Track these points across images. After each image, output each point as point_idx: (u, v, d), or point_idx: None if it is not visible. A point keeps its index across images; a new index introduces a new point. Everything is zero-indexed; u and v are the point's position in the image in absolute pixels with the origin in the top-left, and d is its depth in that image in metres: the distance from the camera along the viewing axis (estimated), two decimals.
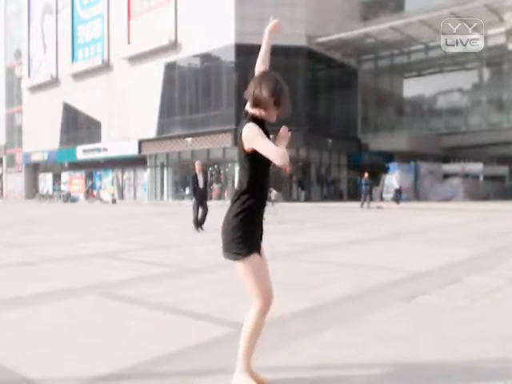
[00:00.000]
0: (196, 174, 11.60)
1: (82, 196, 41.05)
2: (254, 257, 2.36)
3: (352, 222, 14.48)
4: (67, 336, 3.37)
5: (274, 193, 15.97)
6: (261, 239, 2.46)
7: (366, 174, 23.59)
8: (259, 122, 2.38)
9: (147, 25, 34.64)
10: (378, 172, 31.54)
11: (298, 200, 30.70)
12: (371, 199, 23.99)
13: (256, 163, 2.33)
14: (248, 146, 2.31)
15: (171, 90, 33.45)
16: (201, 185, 11.54)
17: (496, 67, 32.06)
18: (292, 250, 7.84)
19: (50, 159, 45.15)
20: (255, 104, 2.38)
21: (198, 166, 11.71)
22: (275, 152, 2.21)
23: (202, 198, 11.43)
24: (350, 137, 34.60)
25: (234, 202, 2.40)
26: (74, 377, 2.62)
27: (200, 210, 11.33)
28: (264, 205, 2.45)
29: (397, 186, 26.00)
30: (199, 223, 11.22)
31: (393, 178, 27.02)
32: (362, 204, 22.95)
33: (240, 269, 2.38)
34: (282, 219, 14.82)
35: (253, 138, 2.27)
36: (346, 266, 6.21)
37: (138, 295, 4.56)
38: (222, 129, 29.09)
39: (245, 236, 2.34)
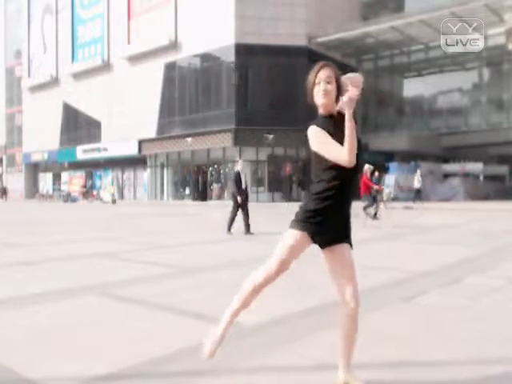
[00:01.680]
0: (239, 172, 10.74)
1: (80, 196, 41.01)
2: (298, 235, 2.36)
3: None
4: (67, 336, 3.37)
5: (386, 192, 13.43)
6: (336, 233, 2.47)
7: (376, 173, 23.23)
8: (326, 117, 2.33)
9: (147, 25, 34.64)
10: (377, 172, 31.48)
11: (298, 200, 30.69)
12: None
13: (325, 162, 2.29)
14: (313, 148, 2.30)
15: (171, 90, 33.45)
16: (243, 184, 10.64)
17: (496, 67, 32.04)
18: None
19: (50, 159, 45.15)
20: (308, 98, 2.35)
21: (241, 164, 11.07)
22: (337, 154, 2.19)
23: (245, 198, 10.58)
24: None
25: (308, 191, 2.43)
26: (74, 377, 2.62)
27: (236, 213, 10.49)
28: (342, 201, 2.39)
29: (417, 186, 24.36)
30: (246, 227, 10.36)
31: (414, 178, 25.08)
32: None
33: (285, 233, 2.41)
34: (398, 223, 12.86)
35: (313, 141, 2.25)
36: None
37: (137, 295, 4.56)
38: (222, 129, 29.09)
39: (307, 216, 2.35)
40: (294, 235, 2.37)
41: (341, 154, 2.19)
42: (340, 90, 2.31)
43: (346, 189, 2.36)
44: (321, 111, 2.35)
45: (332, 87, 2.30)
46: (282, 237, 2.41)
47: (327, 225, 2.38)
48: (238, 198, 10.40)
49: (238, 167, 11.03)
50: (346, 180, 2.33)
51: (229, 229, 10.33)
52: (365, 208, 12.50)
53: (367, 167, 12.91)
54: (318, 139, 2.24)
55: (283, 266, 2.42)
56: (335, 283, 2.46)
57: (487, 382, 2.58)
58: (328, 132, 2.25)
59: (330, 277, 2.48)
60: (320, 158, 2.29)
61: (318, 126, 2.28)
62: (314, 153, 2.31)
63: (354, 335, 2.43)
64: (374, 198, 12.65)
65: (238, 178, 10.59)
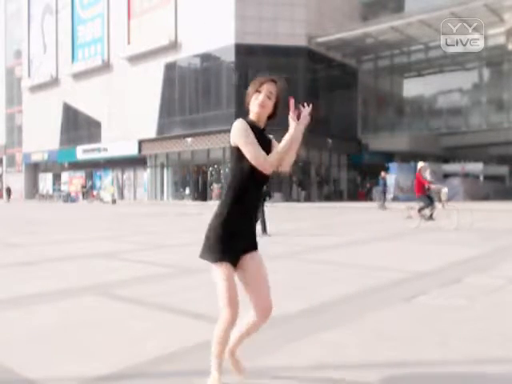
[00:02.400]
0: None
1: (79, 196, 41.00)
2: (224, 266, 2.30)
3: (355, 223, 14.47)
4: (67, 336, 3.37)
5: (444, 191, 11.67)
6: (246, 246, 2.38)
7: (383, 173, 22.35)
8: (255, 124, 2.33)
9: (147, 25, 34.65)
10: (378, 172, 31.52)
11: (298, 200, 30.68)
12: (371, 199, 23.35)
13: (239, 164, 2.27)
14: (233, 143, 2.27)
15: (171, 90, 33.46)
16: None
17: (496, 67, 32.05)
18: (293, 249, 7.84)
19: (50, 159, 45.16)
20: (246, 100, 2.36)
21: None
22: (259, 155, 2.19)
23: (264, 198, 10.51)
24: (350, 137, 34.60)
25: (218, 205, 2.37)
26: (74, 377, 2.62)
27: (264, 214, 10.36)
28: (249, 214, 2.35)
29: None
30: (263, 228, 10.20)
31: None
32: (382, 204, 21.36)
33: (213, 272, 2.35)
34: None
35: (239, 136, 2.23)
36: (346, 266, 6.21)
37: (137, 295, 4.56)
38: (222, 129, 29.08)
39: (217, 243, 2.29)
40: (223, 270, 2.30)
41: (264, 157, 2.20)
42: (276, 109, 2.34)
43: (251, 205, 2.35)
44: (251, 117, 2.34)
45: (270, 103, 2.31)
46: (214, 277, 2.35)
47: (238, 239, 2.34)
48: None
49: None
50: (252, 196, 2.33)
51: (264, 230, 10.16)
52: (420, 210, 11.65)
53: (422, 165, 11.78)
54: (245, 133, 2.22)
55: (235, 304, 2.33)
56: (250, 292, 2.40)
57: (487, 381, 2.58)
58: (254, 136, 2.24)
59: (243, 286, 2.42)
60: (234, 159, 2.29)
61: (245, 121, 2.27)
62: (234, 148, 2.28)
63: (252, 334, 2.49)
64: (431, 199, 11.65)
65: None
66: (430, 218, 11.55)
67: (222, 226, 2.29)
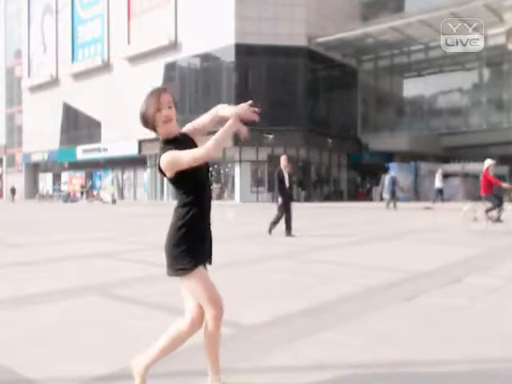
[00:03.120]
0: (281, 170, 9.83)
1: (78, 195, 40.96)
2: (200, 270, 2.32)
3: (355, 223, 14.47)
4: (67, 336, 3.37)
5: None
6: (210, 248, 2.44)
7: (393, 172, 21.86)
8: (170, 142, 2.29)
9: (147, 25, 34.64)
10: (377, 172, 31.52)
11: (298, 200, 30.69)
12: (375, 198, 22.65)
13: (187, 181, 2.26)
14: (172, 173, 2.23)
15: (171, 90, 33.41)
16: (286, 183, 9.78)
17: (496, 67, 32.04)
18: (293, 249, 7.83)
19: (50, 159, 45.15)
20: (144, 124, 2.30)
21: (283, 161, 9.92)
22: (195, 153, 2.17)
23: (288, 199, 9.82)
24: (350, 137, 34.60)
25: (174, 216, 2.35)
26: (74, 377, 2.62)
27: (282, 215, 9.79)
28: (207, 214, 2.38)
29: (439, 186, 22.30)
30: (288, 229, 9.71)
31: (436, 178, 22.75)
32: (389, 204, 20.56)
33: (187, 283, 2.32)
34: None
35: (173, 164, 2.19)
36: (346, 265, 6.21)
37: (137, 295, 4.56)
38: None
39: (188, 250, 2.28)
40: (198, 275, 2.31)
41: (201, 151, 2.17)
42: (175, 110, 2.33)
43: (208, 204, 2.38)
44: (164, 138, 2.31)
45: (173, 112, 2.30)
46: (194, 285, 2.33)
47: (204, 245, 2.39)
48: (279, 199, 9.65)
49: (281, 164, 9.93)
50: (207, 194, 2.36)
51: (270, 231, 9.75)
52: (488, 211, 10.59)
53: (490, 163, 10.75)
54: (175, 158, 2.17)
55: (221, 301, 2.38)
56: (194, 304, 2.39)
57: (487, 381, 2.58)
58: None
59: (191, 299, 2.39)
60: (180, 184, 2.27)
61: (169, 148, 2.23)
62: (173, 181, 2.27)
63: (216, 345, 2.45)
64: (500, 199, 10.67)
65: (279, 176, 9.75)
66: (498, 219, 10.62)
67: (188, 232, 2.29)
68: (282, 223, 9.86)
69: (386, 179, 21.33)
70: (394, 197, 20.45)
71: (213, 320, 2.35)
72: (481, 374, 2.65)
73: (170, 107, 2.28)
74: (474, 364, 2.80)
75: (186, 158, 2.16)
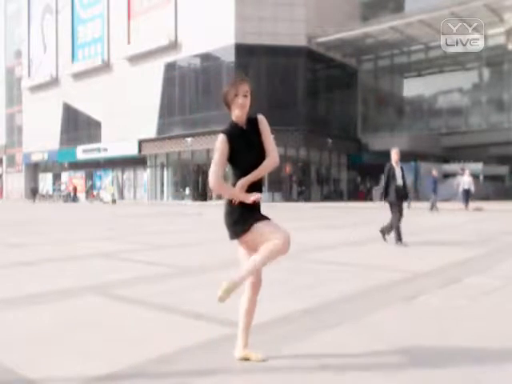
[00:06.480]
0: (392, 165, 8.52)
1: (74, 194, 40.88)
2: (256, 225, 2.61)
3: (355, 222, 14.48)
4: (67, 336, 3.37)
5: None
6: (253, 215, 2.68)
7: (434, 171, 20.04)
8: (237, 127, 2.67)
9: (147, 25, 34.65)
10: (378, 172, 31.49)
11: (298, 200, 30.69)
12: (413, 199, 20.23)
13: (231, 163, 2.68)
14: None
15: (171, 90, 33.46)
16: (399, 181, 8.43)
17: (496, 67, 32.06)
18: (293, 249, 7.82)
19: (50, 159, 45.16)
20: (224, 103, 2.68)
21: (394, 154, 8.54)
22: (210, 172, 2.59)
23: (400, 198, 8.49)
24: (349, 137, 34.61)
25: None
26: (74, 377, 2.62)
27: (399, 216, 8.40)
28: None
29: (466, 187, 20.32)
30: (398, 234, 8.25)
31: (462, 179, 20.81)
32: (434, 206, 18.98)
33: (250, 237, 2.63)
34: None
35: (215, 148, 2.63)
36: (346, 265, 6.21)
37: (137, 295, 4.56)
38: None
39: (239, 218, 2.63)
40: (257, 226, 2.61)
41: (212, 173, 2.60)
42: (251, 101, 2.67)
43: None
44: (234, 119, 2.69)
45: (248, 101, 2.65)
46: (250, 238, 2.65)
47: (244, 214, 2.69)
48: (388, 198, 8.40)
49: (392, 159, 8.58)
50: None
51: (384, 236, 8.47)
52: None
53: None
54: (218, 151, 2.61)
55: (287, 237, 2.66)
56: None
57: (487, 381, 2.58)
58: (237, 142, 2.61)
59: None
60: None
61: (226, 134, 2.60)
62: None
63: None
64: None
65: (389, 173, 8.44)
66: None
67: (230, 206, 2.68)
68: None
69: (432, 179, 19.63)
70: (435, 198, 18.98)
71: (275, 245, 2.55)
72: (481, 374, 2.65)
73: (245, 95, 2.62)
74: (473, 364, 2.79)
75: (214, 165, 2.63)
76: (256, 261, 2.59)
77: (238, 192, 2.58)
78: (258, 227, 2.59)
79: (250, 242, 2.66)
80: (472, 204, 20.18)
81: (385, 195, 8.47)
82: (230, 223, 2.66)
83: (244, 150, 2.60)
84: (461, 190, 20.54)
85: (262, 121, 2.72)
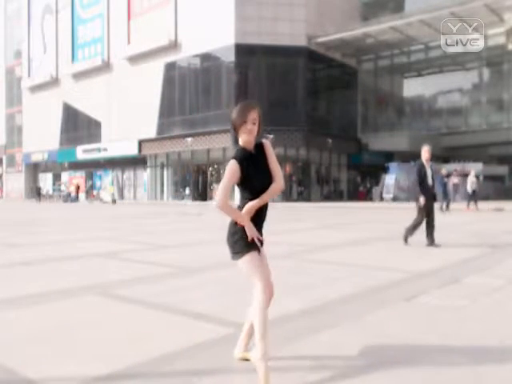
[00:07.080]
0: (423, 163, 8.15)
1: (73, 194, 40.90)
2: (252, 254, 2.65)
3: (355, 222, 14.47)
4: (67, 336, 3.37)
5: None
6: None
7: (444, 170, 19.52)
8: (246, 152, 2.64)
9: (147, 25, 34.65)
10: (377, 172, 31.57)
11: (297, 200, 30.68)
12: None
13: (240, 186, 2.68)
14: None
15: (171, 89, 33.45)
16: (429, 180, 8.11)
17: (496, 67, 32.07)
18: (293, 249, 7.84)
19: (50, 159, 45.15)
20: (233, 128, 2.67)
21: (425, 152, 8.13)
22: (218, 194, 2.57)
23: (430, 199, 8.15)
24: (349, 137, 34.60)
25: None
26: (74, 377, 2.62)
27: (422, 218, 8.14)
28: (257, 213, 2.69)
29: (469, 190, 20.04)
30: (430, 237, 8.09)
31: (469, 181, 20.37)
32: (447, 206, 18.48)
33: (242, 265, 2.67)
34: None
35: (226, 171, 2.62)
36: (346, 265, 6.21)
37: (137, 295, 4.56)
38: (222, 129, 29.08)
39: (240, 238, 2.64)
40: (251, 258, 2.65)
41: (220, 198, 2.56)
42: (260, 128, 2.67)
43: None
44: (241, 144, 2.68)
45: (256, 128, 2.64)
46: (246, 268, 2.67)
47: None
48: (421, 199, 7.94)
49: (422, 157, 8.16)
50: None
51: (405, 239, 8.17)
52: None
53: None
54: (228, 176, 2.58)
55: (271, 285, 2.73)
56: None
57: (487, 381, 2.58)
58: (247, 167, 2.60)
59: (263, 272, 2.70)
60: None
61: (238, 160, 2.58)
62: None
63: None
64: None
65: (421, 172, 8.03)
66: None
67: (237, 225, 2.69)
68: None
69: (441, 178, 18.72)
70: (446, 198, 18.61)
71: (261, 302, 2.62)
72: (481, 374, 2.65)
73: (254, 123, 2.62)
74: (473, 364, 2.80)
75: (223, 187, 2.59)
76: (257, 325, 2.64)
77: (244, 217, 2.62)
78: (246, 261, 2.64)
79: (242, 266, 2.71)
80: (489, 205, 19.46)
81: (421, 194, 7.95)
82: (231, 243, 2.71)
83: (254, 174, 2.63)
84: (470, 190, 20.05)
85: (268, 146, 2.76)
